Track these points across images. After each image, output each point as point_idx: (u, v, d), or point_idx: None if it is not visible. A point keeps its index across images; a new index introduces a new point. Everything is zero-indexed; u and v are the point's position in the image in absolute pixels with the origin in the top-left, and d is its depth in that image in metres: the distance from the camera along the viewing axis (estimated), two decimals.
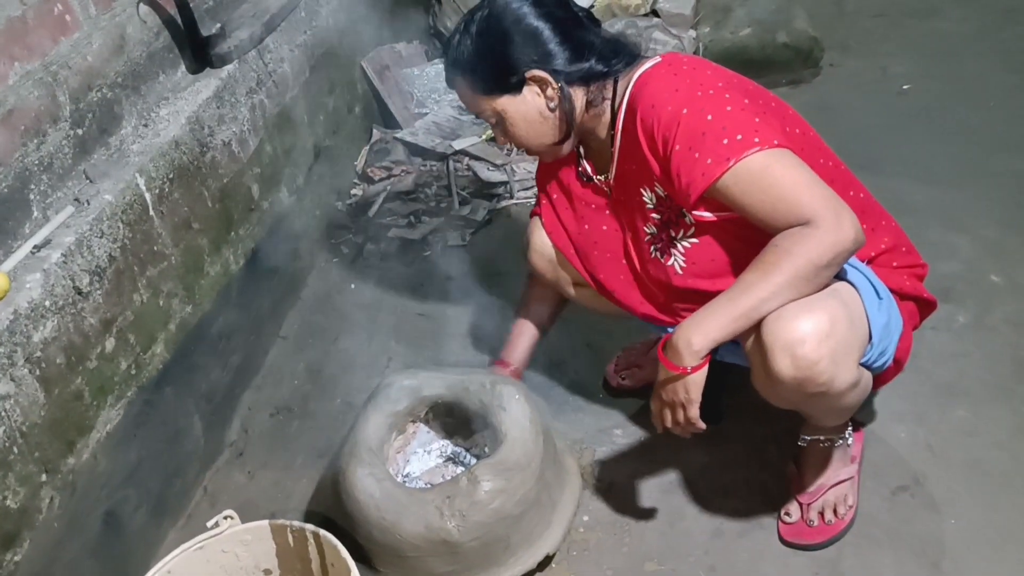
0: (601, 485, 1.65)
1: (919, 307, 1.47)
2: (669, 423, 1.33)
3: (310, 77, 2.36)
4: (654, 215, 1.40)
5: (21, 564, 1.25)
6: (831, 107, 2.71)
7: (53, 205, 1.43)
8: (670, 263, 1.40)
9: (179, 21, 1.77)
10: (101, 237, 1.44)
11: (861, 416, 1.62)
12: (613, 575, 1.50)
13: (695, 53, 2.97)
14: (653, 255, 1.43)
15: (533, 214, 1.65)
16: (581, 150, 1.51)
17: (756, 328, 1.23)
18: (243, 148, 1.95)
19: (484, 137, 2.73)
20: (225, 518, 1.31)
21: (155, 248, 1.60)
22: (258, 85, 2.04)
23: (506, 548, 1.45)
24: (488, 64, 1.36)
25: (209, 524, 1.30)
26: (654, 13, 3.13)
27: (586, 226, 1.55)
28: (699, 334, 1.23)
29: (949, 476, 1.57)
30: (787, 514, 1.53)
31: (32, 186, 1.39)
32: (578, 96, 1.38)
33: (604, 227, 1.52)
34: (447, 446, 1.67)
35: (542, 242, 1.63)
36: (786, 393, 1.27)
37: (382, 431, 1.55)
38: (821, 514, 1.50)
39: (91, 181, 1.50)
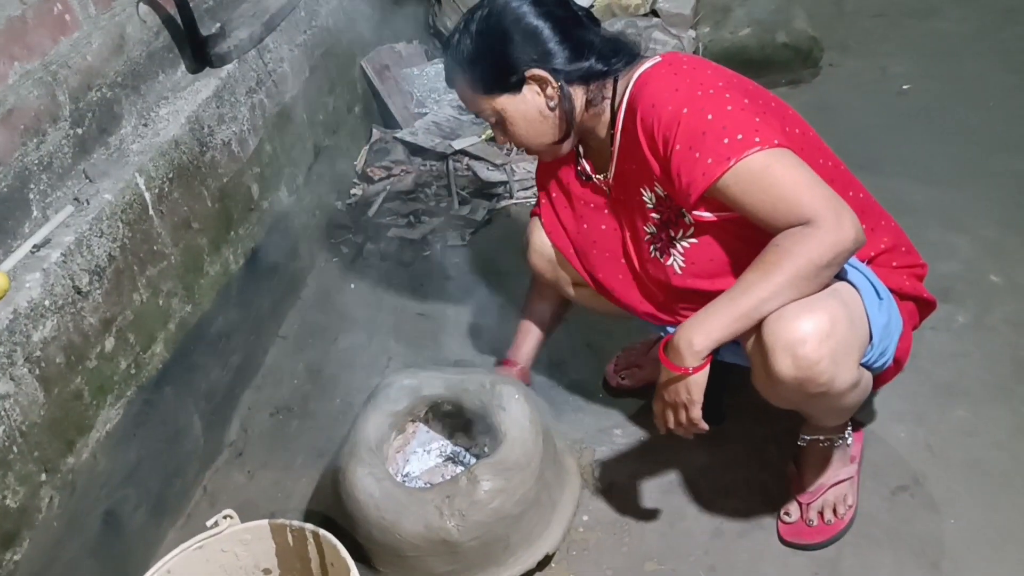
0: (601, 485, 1.65)
1: (919, 307, 1.47)
2: (672, 424, 1.33)
3: (310, 77, 2.36)
4: (654, 215, 1.40)
5: (21, 563, 1.25)
6: (831, 107, 2.71)
7: (53, 204, 1.43)
8: (669, 263, 1.40)
9: (179, 21, 1.77)
10: (101, 236, 1.44)
11: (861, 416, 1.62)
12: (613, 575, 1.50)
13: (695, 53, 2.97)
14: (652, 255, 1.43)
15: (533, 214, 1.65)
16: (580, 149, 1.51)
17: (757, 328, 1.23)
18: (243, 148, 1.95)
19: (484, 137, 2.73)
20: (225, 517, 1.30)
21: (155, 248, 1.60)
22: (258, 85, 2.04)
23: (506, 548, 1.45)
24: (488, 63, 1.36)
25: (209, 523, 1.30)
26: (654, 13, 3.13)
27: (585, 225, 1.55)
28: (700, 334, 1.23)
29: (949, 476, 1.57)
30: (787, 514, 1.53)
31: (32, 185, 1.39)
32: (578, 95, 1.38)
33: (603, 226, 1.52)
34: (447, 446, 1.67)
35: (542, 242, 1.63)
36: (787, 393, 1.27)
37: (382, 431, 1.55)
38: (821, 514, 1.50)
39: (91, 180, 1.50)
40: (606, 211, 1.52)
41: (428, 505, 1.41)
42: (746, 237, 1.29)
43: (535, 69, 1.34)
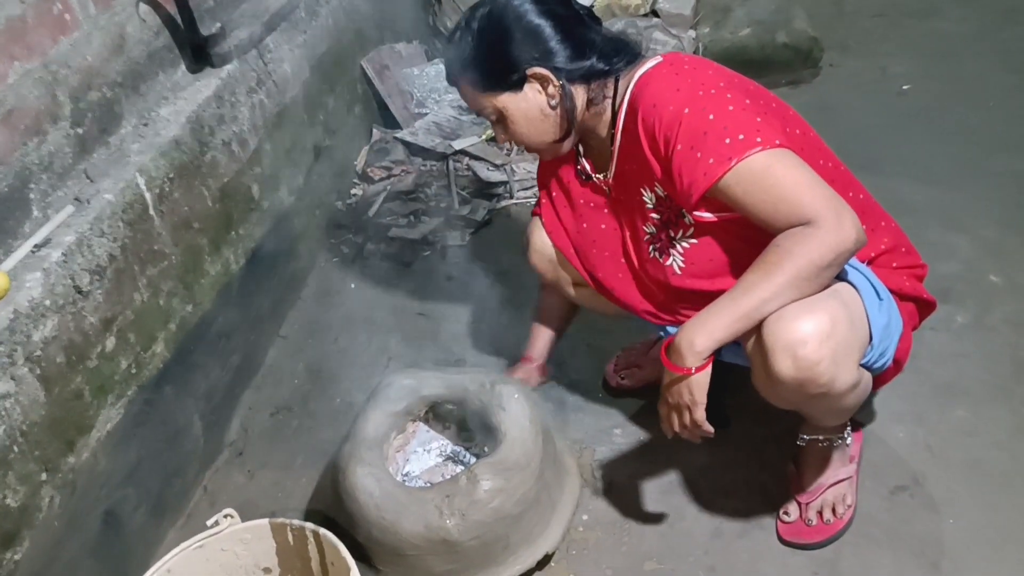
0: (601, 485, 1.65)
1: (919, 308, 1.47)
2: (677, 427, 1.33)
3: (310, 77, 2.36)
4: (653, 215, 1.40)
5: (21, 563, 1.26)
6: (831, 107, 2.71)
7: (53, 204, 1.43)
8: (668, 263, 1.40)
9: (179, 20, 1.77)
10: (101, 236, 1.44)
11: (860, 416, 1.62)
12: (612, 574, 1.50)
13: (695, 53, 2.97)
14: (651, 255, 1.43)
15: (534, 213, 1.66)
16: (580, 148, 1.52)
17: (757, 329, 1.23)
18: (243, 148, 1.95)
19: (484, 137, 2.73)
20: (225, 517, 1.31)
21: (155, 247, 1.60)
22: (258, 85, 2.04)
23: (505, 547, 1.46)
24: (489, 61, 1.36)
25: (209, 523, 1.30)
26: (654, 13, 3.13)
27: (584, 224, 1.55)
28: (701, 335, 1.23)
29: (948, 476, 1.57)
30: (786, 514, 1.53)
31: (32, 185, 1.39)
32: (579, 94, 1.38)
33: (603, 225, 1.52)
34: (447, 445, 1.67)
35: (542, 242, 1.63)
36: (787, 394, 1.28)
37: (382, 430, 1.55)
38: (820, 514, 1.50)
39: (91, 180, 1.51)
40: (606, 211, 1.52)
41: (428, 504, 1.41)
42: (746, 237, 1.29)
43: (536, 67, 1.34)
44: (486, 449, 1.57)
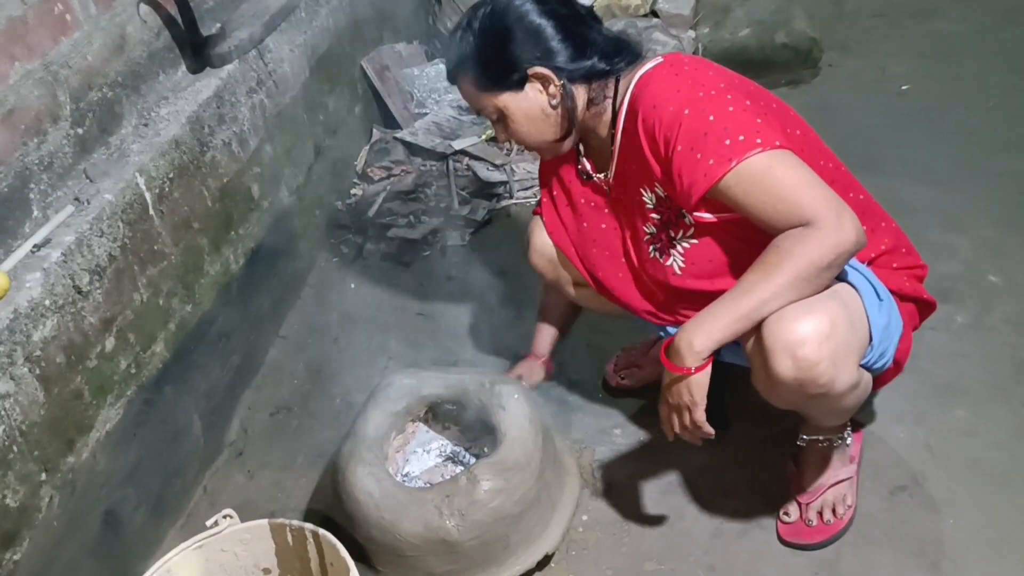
0: (600, 485, 1.65)
1: (919, 308, 1.47)
2: (677, 428, 1.33)
3: (310, 77, 2.36)
4: (654, 215, 1.40)
5: (21, 563, 1.26)
6: (830, 107, 2.71)
7: (53, 204, 1.44)
8: (669, 263, 1.40)
9: (179, 21, 1.77)
10: (101, 236, 1.44)
11: (860, 416, 1.62)
12: (612, 575, 1.50)
13: (694, 53, 2.97)
14: (652, 255, 1.43)
15: (535, 212, 1.66)
16: (581, 148, 1.52)
17: (757, 329, 1.23)
18: (243, 148, 1.95)
19: (484, 137, 2.73)
20: (224, 517, 1.31)
21: (155, 247, 1.60)
22: (258, 85, 2.04)
23: (505, 547, 1.46)
24: (490, 61, 1.36)
25: (208, 523, 1.30)
26: (653, 13, 3.13)
27: (585, 224, 1.55)
28: (701, 335, 1.23)
29: (948, 476, 1.57)
30: (786, 514, 1.53)
31: (32, 185, 1.39)
32: (580, 94, 1.38)
33: (603, 225, 1.53)
34: (446, 445, 1.67)
35: (542, 241, 1.63)
36: (786, 394, 1.28)
37: (382, 430, 1.55)
38: (820, 514, 1.50)
39: (91, 180, 1.51)
40: (606, 210, 1.52)
41: (428, 505, 1.41)
42: (746, 238, 1.29)
43: (538, 67, 1.34)
44: (486, 449, 1.57)
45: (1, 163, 1.33)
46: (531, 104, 1.38)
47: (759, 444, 1.67)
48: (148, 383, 1.57)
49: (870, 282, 1.32)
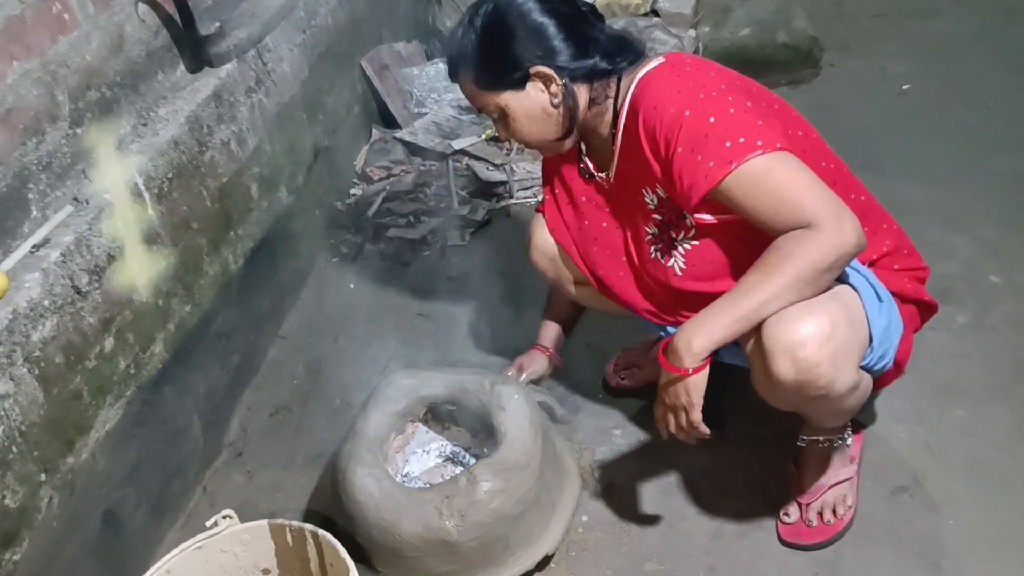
0: (600, 485, 1.65)
1: (920, 310, 1.47)
2: (673, 428, 1.33)
3: (309, 77, 2.35)
4: (655, 216, 1.40)
5: (20, 563, 1.25)
6: (831, 107, 2.71)
7: (52, 204, 1.43)
8: (670, 264, 1.40)
9: (178, 20, 1.77)
10: (100, 237, 1.44)
11: (861, 416, 1.62)
12: (612, 575, 1.50)
13: (695, 53, 2.96)
14: (653, 255, 1.43)
15: (539, 210, 1.66)
16: (583, 147, 1.51)
17: (757, 330, 1.23)
18: (242, 148, 1.95)
19: (484, 137, 2.73)
20: (224, 518, 1.30)
21: (155, 247, 1.60)
22: (257, 84, 2.04)
23: (505, 548, 1.45)
24: (492, 59, 1.36)
25: (208, 524, 1.30)
26: (654, 13, 3.13)
27: (586, 222, 1.55)
28: (700, 336, 1.23)
29: (948, 476, 1.57)
30: (786, 514, 1.53)
31: (31, 185, 1.39)
32: (581, 93, 1.38)
33: (604, 224, 1.52)
34: (446, 446, 1.67)
35: (544, 240, 1.63)
36: (786, 395, 1.27)
37: (382, 431, 1.55)
38: (820, 514, 1.50)
39: (90, 180, 1.50)
40: (607, 209, 1.52)
41: (427, 505, 1.41)
42: (747, 240, 1.29)
43: (539, 66, 1.34)
44: (486, 450, 1.57)
45: (0, 163, 1.33)
46: (532, 103, 1.38)
47: (759, 445, 1.66)
48: (147, 383, 1.57)
49: (871, 283, 1.32)
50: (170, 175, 1.65)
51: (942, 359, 1.79)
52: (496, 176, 2.61)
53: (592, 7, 1.42)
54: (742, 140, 1.21)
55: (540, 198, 1.64)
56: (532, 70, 1.34)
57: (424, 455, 1.66)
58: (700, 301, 1.30)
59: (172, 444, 1.66)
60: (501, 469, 1.43)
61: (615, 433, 1.75)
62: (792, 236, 1.19)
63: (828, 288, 1.23)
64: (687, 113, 1.25)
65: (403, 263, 2.35)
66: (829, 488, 1.51)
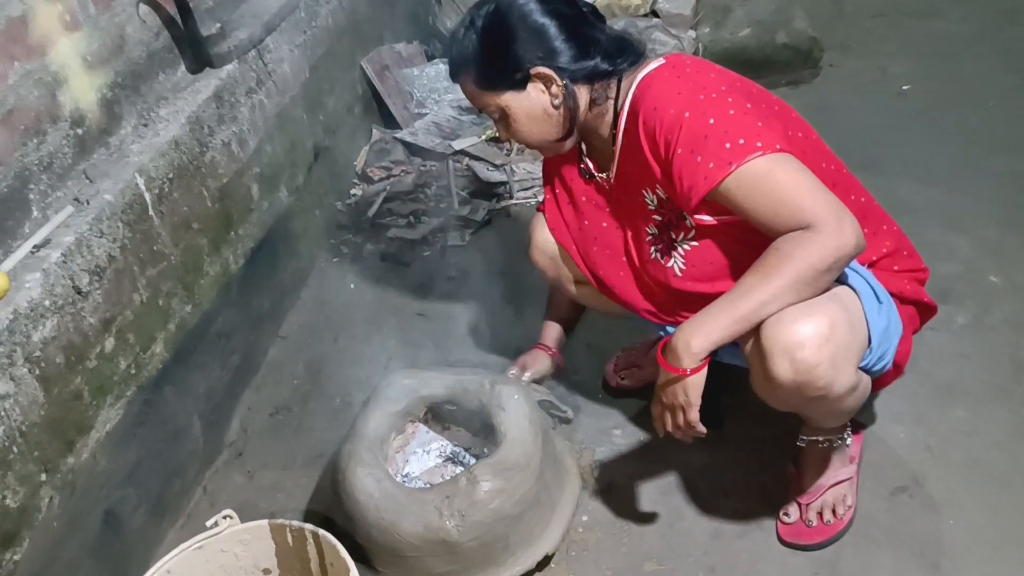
0: (600, 485, 1.65)
1: (919, 311, 1.47)
2: (670, 427, 1.33)
3: (310, 77, 2.36)
4: (655, 216, 1.40)
5: (20, 563, 1.26)
6: (831, 107, 2.71)
7: (53, 205, 1.43)
8: (670, 264, 1.40)
9: (179, 21, 1.77)
10: (101, 237, 1.44)
11: (860, 417, 1.62)
12: (612, 575, 1.50)
13: (695, 53, 2.97)
14: (653, 256, 1.43)
15: (539, 209, 1.66)
16: (583, 147, 1.52)
17: (756, 331, 1.23)
18: (243, 148, 1.95)
19: (484, 137, 2.73)
20: (224, 518, 1.31)
21: (155, 248, 1.60)
22: (258, 85, 2.04)
23: (505, 548, 1.45)
24: (493, 60, 1.36)
25: (208, 524, 1.30)
26: (654, 13, 3.13)
27: (586, 221, 1.55)
28: (699, 336, 1.23)
29: (948, 476, 1.57)
30: (786, 514, 1.53)
31: (32, 186, 1.39)
32: (582, 94, 1.38)
33: (604, 224, 1.53)
34: (446, 446, 1.67)
35: (544, 239, 1.63)
36: (785, 396, 1.27)
37: (382, 431, 1.55)
38: (820, 514, 1.50)
39: (91, 181, 1.50)
40: (607, 210, 1.52)
41: (428, 505, 1.41)
42: (747, 241, 1.29)
43: (540, 67, 1.34)
44: (486, 450, 1.57)
45: (1, 163, 1.33)
46: (533, 104, 1.38)
47: (759, 445, 1.67)
48: (148, 383, 1.57)
49: (870, 284, 1.32)
50: (171, 175, 1.65)
51: (942, 359, 1.79)
52: (496, 176, 2.61)
53: (593, 8, 1.42)
54: (742, 141, 1.21)
55: (540, 198, 1.64)
56: (533, 71, 1.34)
57: (424, 455, 1.66)
58: (700, 301, 1.30)
59: (172, 444, 1.66)
60: (501, 469, 1.43)
61: (615, 433, 1.75)
62: (791, 237, 1.19)
63: (827, 289, 1.23)
64: (687, 114, 1.25)
65: (403, 263, 2.35)
66: (829, 488, 1.51)
